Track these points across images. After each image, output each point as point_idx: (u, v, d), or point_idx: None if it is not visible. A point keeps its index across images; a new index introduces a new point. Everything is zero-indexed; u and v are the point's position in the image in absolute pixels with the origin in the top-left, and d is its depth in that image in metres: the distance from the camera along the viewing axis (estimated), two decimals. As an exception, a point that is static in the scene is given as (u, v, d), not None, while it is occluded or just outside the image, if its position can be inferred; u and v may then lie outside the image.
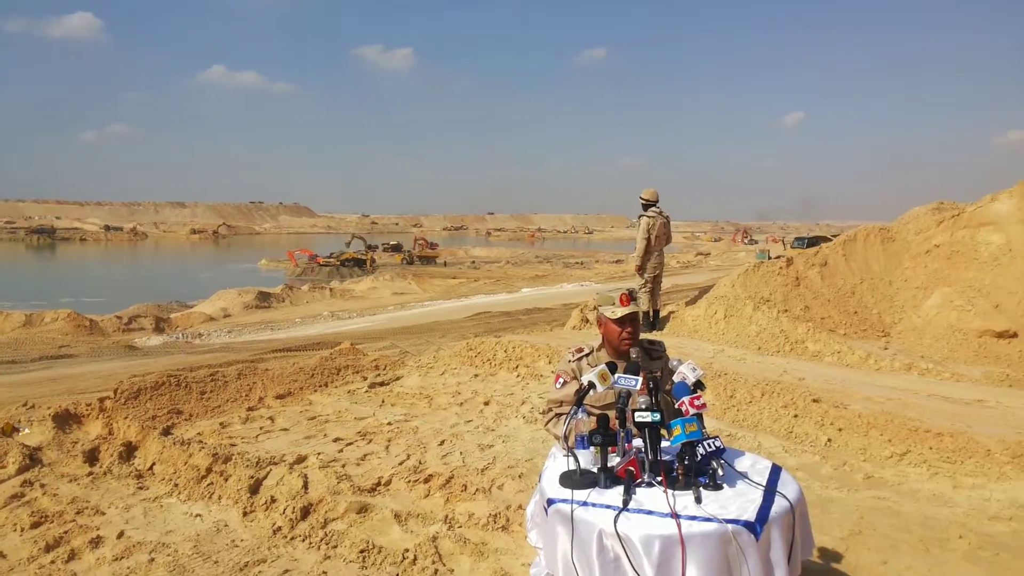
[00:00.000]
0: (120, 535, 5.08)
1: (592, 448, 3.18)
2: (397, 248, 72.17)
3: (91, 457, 6.41)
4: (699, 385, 3.42)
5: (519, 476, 5.80)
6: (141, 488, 5.91)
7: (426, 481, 5.69)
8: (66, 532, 5.11)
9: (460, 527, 4.97)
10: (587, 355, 3.91)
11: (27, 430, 6.84)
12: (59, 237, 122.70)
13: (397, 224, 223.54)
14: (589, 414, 3.42)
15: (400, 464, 6.18)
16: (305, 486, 5.56)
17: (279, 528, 5.06)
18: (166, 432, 6.72)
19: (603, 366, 3.39)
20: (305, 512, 5.20)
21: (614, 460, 3.14)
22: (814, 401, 7.47)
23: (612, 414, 3.40)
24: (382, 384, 8.84)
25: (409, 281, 46.36)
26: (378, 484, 5.71)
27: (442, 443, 6.72)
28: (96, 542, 4.96)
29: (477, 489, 5.52)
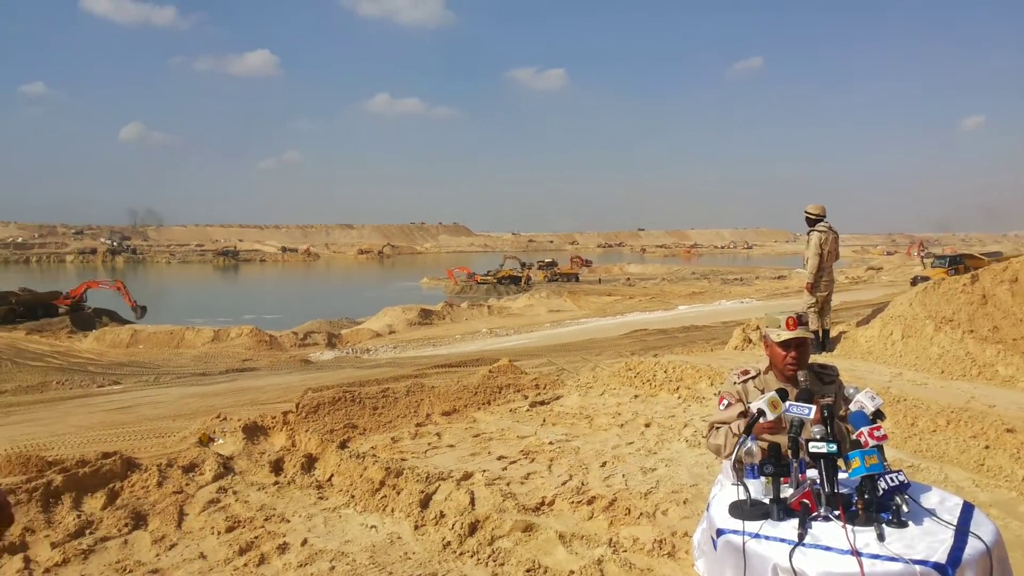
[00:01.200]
0: (304, 542, 5.44)
1: (763, 478, 3.10)
2: (551, 266, 72.89)
3: (276, 467, 6.91)
4: (878, 415, 3.25)
5: (684, 502, 5.72)
6: (321, 498, 6.31)
7: (589, 503, 5.72)
8: (256, 537, 5.52)
9: (625, 551, 4.96)
10: (753, 377, 3.81)
11: (221, 440, 7.47)
12: (241, 258, 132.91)
13: (552, 242, 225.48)
14: (758, 443, 3.34)
15: (563, 484, 6.25)
16: (472, 502, 5.74)
17: (448, 543, 5.24)
18: (343, 445, 7.14)
19: (773, 393, 3.30)
20: (473, 528, 5.36)
21: (787, 491, 3.04)
22: (1008, 431, 6.88)
23: (784, 443, 3.31)
24: (542, 403, 8.98)
25: (564, 299, 46.68)
26: (542, 504, 5.80)
27: (604, 465, 6.73)
28: (283, 548, 5.34)
29: (641, 513, 5.49)
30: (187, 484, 6.48)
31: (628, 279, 69.00)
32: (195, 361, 28.24)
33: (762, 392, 3.60)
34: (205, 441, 7.31)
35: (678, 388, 9.06)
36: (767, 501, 3.00)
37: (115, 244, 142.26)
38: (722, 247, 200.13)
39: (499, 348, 27.91)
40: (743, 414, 3.65)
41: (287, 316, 40.07)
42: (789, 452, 3.17)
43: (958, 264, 32.23)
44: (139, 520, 5.86)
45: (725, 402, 3.81)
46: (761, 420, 3.29)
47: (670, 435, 7.50)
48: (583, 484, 6.24)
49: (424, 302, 43.49)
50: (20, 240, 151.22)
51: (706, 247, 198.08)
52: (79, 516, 5.83)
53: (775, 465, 3.04)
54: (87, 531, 5.67)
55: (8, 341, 31.83)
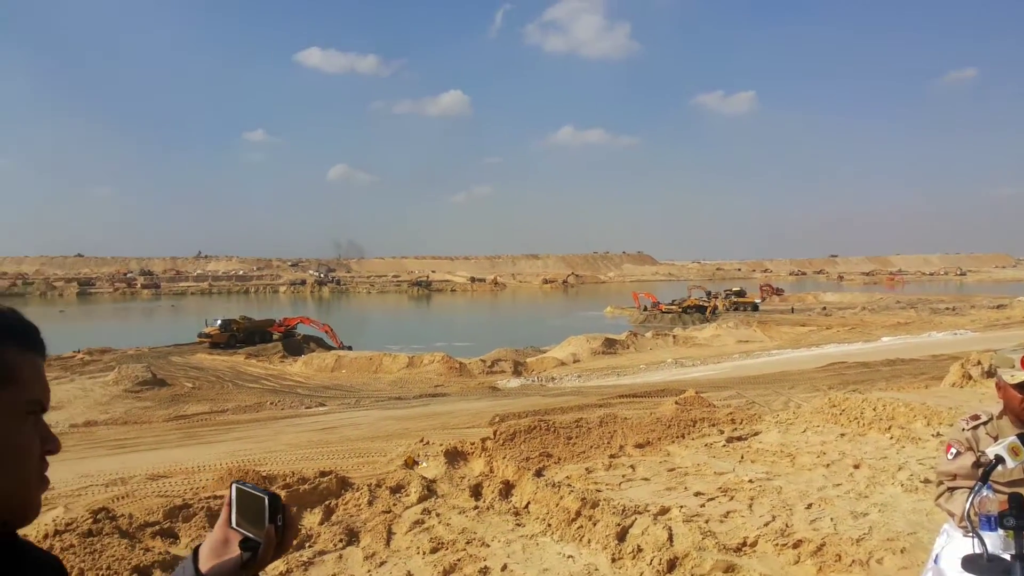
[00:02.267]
0: (503, 568, 5.58)
1: (1002, 531, 2.85)
2: (739, 295, 70.53)
3: (476, 492, 7.15)
4: None
5: (901, 551, 5.33)
6: (519, 525, 6.45)
7: (795, 546, 5.46)
8: (459, 560, 5.73)
9: (837, 600, 4.71)
10: (985, 423, 3.48)
11: (425, 463, 7.84)
12: (433, 288, 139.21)
13: (739, 270, 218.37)
14: (996, 492, 3.07)
15: (765, 525, 6.01)
16: (670, 538, 5.65)
17: (647, 578, 5.20)
18: (539, 473, 7.28)
19: (1014, 438, 3.03)
20: (671, 565, 5.27)
21: (1032, 548, 2.79)
22: None
23: (1025, 493, 3.02)
24: (740, 439, 8.69)
25: (754, 329, 45.00)
26: (744, 544, 5.61)
27: (809, 506, 6.41)
28: (484, 572, 5.50)
29: (853, 560, 5.17)
30: (395, 504, 6.85)
31: (824, 308, 65.34)
32: (391, 386, 29.83)
33: (995, 439, 3.31)
34: (410, 464, 7.70)
35: (890, 427, 8.46)
36: (1007, 557, 2.76)
37: (322, 276, 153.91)
38: (931, 273, 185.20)
39: (685, 379, 27.32)
40: (976, 464, 3.37)
41: (476, 344, 41.38)
42: (1033, 504, 2.91)
43: None
44: (352, 536, 6.26)
45: (953, 451, 3.52)
46: (1000, 468, 3.03)
47: (883, 478, 7.02)
48: (787, 526, 5.97)
49: (608, 331, 43.46)
50: (241, 272, 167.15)
51: (912, 274, 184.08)
52: (299, 530, 6.32)
53: (1017, 518, 2.79)
54: (307, 544, 6.13)
55: (230, 364, 35.19)
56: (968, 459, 3.43)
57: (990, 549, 2.81)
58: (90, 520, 5.91)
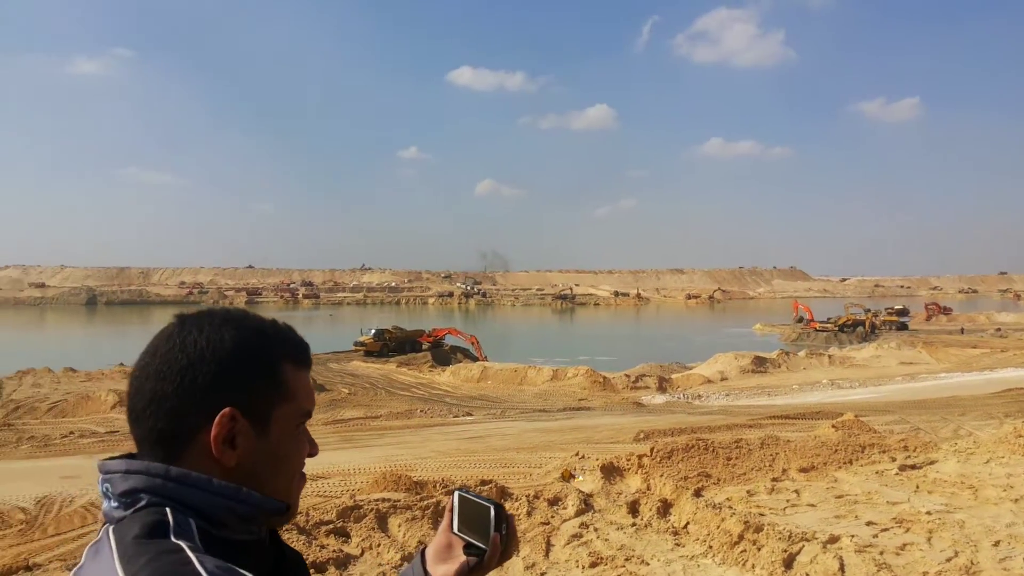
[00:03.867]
0: (662, 587, 5.53)
1: None
2: (903, 313, 66.36)
3: (633, 509, 7.11)
4: None
5: (1107, 598, 4.87)
6: (678, 545, 6.36)
7: (983, 586, 5.10)
8: None
9: (1034, 648, 4.35)
10: None
11: (581, 477, 7.88)
12: (577, 302, 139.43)
13: (903, 287, 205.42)
14: None
15: (947, 561, 5.63)
16: (841, 568, 5.40)
17: (817, 608, 5.00)
18: (698, 493, 7.15)
19: None
20: (843, 596, 5.05)
21: None
22: None
23: None
24: (914, 467, 8.17)
25: (919, 350, 42.22)
26: (923, 579, 5.29)
27: (997, 544, 5.94)
28: (644, 590, 5.47)
29: (1052, 606, 4.77)
30: (552, 516, 6.92)
31: (998, 329, 60.39)
32: (536, 398, 30.10)
33: None
34: (567, 477, 7.76)
35: (1088, 462, 7.73)
36: None
37: (468, 288, 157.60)
38: None
39: (843, 401, 26.01)
40: None
41: (619, 359, 41.11)
42: None
43: None
44: (513, 546, 6.38)
45: None
46: None
47: (1082, 517, 6.42)
48: (972, 563, 5.56)
49: (757, 349, 42.00)
50: (393, 284, 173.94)
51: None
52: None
53: None
54: (469, 551, 6.29)
55: (383, 372, 36.67)
56: None
57: None
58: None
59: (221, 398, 1.07)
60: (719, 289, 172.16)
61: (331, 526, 6.42)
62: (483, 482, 7.42)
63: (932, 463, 8.33)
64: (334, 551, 5.97)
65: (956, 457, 8.47)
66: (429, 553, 1.28)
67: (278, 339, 1.16)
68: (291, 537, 6.00)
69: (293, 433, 1.14)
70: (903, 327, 59.93)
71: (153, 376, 1.07)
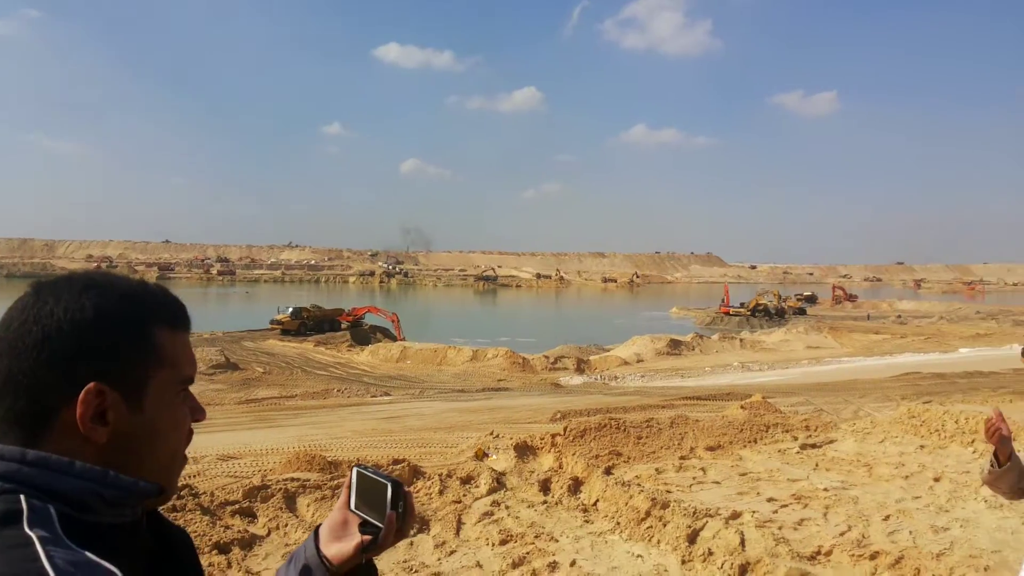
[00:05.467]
0: (572, 563, 5.58)
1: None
2: (811, 300, 68.93)
3: (545, 487, 7.17)
4: None
5: (984, 569, 5.15)
6: (587, 521, 6.45)
7: (872, 558, 5.33)
8: (528, 552, 5.76)
9: (917, 615, 4.58)
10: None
11: (494, 456, 7.91)
12: (499, 283, 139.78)
13: (811, 274, 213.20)
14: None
15: (841, 535, 5.87)
16: (742, 543, 5.57)
17: (718, 582, 5.14)
18: (608, 471, 7.26)
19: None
20: (743, 570, 5.20)
21: None
22: None
23: None
24: (814, 446, 8.51)
25: (825, 335, 43.93)
26: (818, 553, 5.50)
27: (887, 518, 6.24)
28: (553, 567, 5.52)
29: (933, 576, 5.03)
30: (464, 495, 6.93)
31: (899, 316, 63.38)
32: (455, 378, 30.10)
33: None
34: (480, 456, 7.77)
35: (973, 441, 8.16)
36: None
37: (390, 267, 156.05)
38: (1015, 284, 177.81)
39: (752, 383, 26.88)
40: None
41: (539, 340, 41.43)
42: None
43: None
44: (423, 524, 6.36)
45: None
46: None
47: (965, 493, 6.78)
48: (864, 537, 5.83)
49: (673, 332, 42.96)
50: (313, 262, 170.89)
51: (994, 283, 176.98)
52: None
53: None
54: (379, 529, 6.24)
55: (300, 351, 36.02)
56: None
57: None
58: (174, 496, 6.14)
59: (85, 371, 0.97)
60: (636, 274, 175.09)
61: (237, 506, 6.26)
62: (396, 461, 7.36)
63: (831, 442, 8.69)
64: (239, 531, 5.83)
65: (853, 437, 8.85)
66: (323, 531, 1.22)
67: (149, 302, 1.06)
68: (194, 517, 5.83)
69: (172, 402, 1.06)
70: (802, 312, 62.58)
71: (7, 352, 0.96)
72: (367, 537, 1.18)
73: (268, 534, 6.06)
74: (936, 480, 7.17)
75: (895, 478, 7.32)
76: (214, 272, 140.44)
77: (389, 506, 1.17)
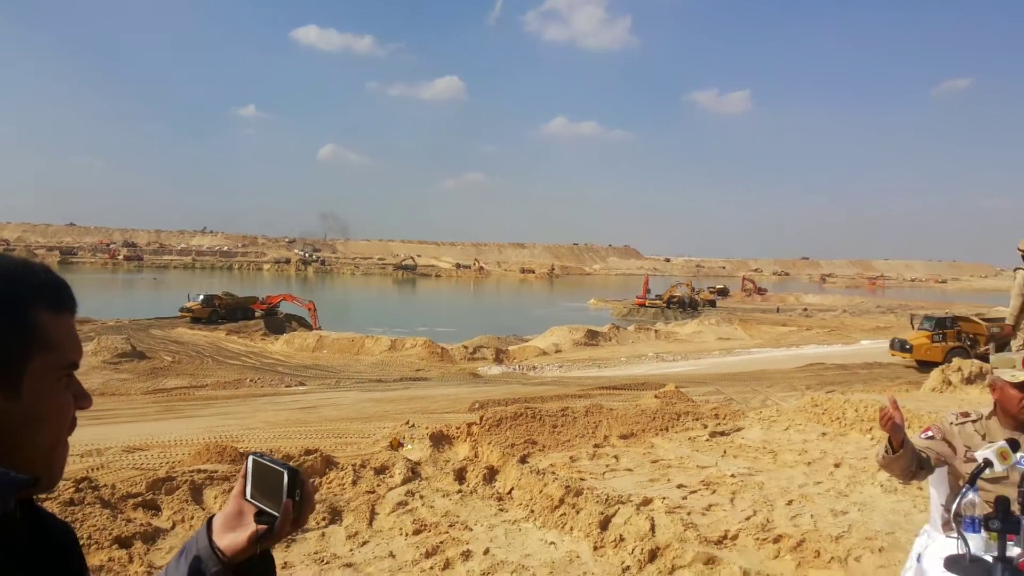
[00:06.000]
0: (486, 551, 5.60)
1: (986, 534, 2.89)
2: (723, 292, 70.96)
3: (460, 476, 7.17)
4: (1125, 474, 2.99)
5: (879, 550, 5.39)
6: (502, 510, 6.48)
7: (775, 541, 5.52)
8: (442, 542, 5.75)
9: (816, 596, 4.77)
10: (973, 421, 3.54)
11: (410, 446, 7.85)
12: (419, 272, 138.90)
13: (724, 268, 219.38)
14: (981, 492, 3.12)
15: (747, 519, 6.07)
16: (652, 529, 5.69)
17: (628, 567, 5.23)
18: (523, 460, 7.31)
19: (1003, 443, 3.07)
20: (653, 555, 5.31)
21: (1014, 550, 2.83)
22: None
23: (1013, 496, 3.07)
24: (723, 434, 8.76)
25: (735, 326, 45.30)
26: (724, 537, 5.66)
27: (790, 503, 6.48)
28: (466, 555, 5.52)
29: (832, 558, 5.23)
30: (378, 485, 6.86)
31: (805, 309, 65.87)
32: (372, 368, 29.80)
33: (983, 438, 3.37)
34: (395, 446, 7.71)
35: (871, 428, 8.54)
36: (990, 559, 2.80)
37: (307, 255, 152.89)
38: (913, 280, 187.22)
39: (665, 373, 27.51)
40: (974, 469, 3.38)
41: (458, 330, 41.42)
42: (1019, 507, 2.95)
43: (950, 328, 27.16)
44: (335, 515, 6.26)
45: (929, 433, 3.54)
46: (987, 471, 3.08)
47: (863, 477, 7.10)
48: (768, 521, 6.03)
49: (590, 323, 43.55)
50: (225, 248, 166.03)
51: (894, 279, 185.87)
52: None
53: (1002, 520, 2.83)
54: (290, 521, 6.11)
55: (211, 340, 35.03)
56: (939, 446, 3.47)
57: (972, 550, 2.86)
58: (72, 489, 5.88)
59: None
60: (553, 265, 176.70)
61: (140, 499, 6.03)
62: (308, 452, 7.23)
63: (739, 430, 8.96)
64: (142, 524, 5.62)
65: (760, 425, 9.15)
66: (217, 521, 1.16)
67: (27, 282, 0.99)
68: (93, 511, 5.59)
69: (54, 389, 0.99)
70: (714, 304, 64.77)
71: None
72: (262, 527, 1.14)
73: (173, 527, 5.87)
74: (836, 466, 7.48)
75: (798, 464, 7.61)
76: (120, 257, 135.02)
77: (285, 494, 1.13)
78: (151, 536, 5.57)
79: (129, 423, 15.29)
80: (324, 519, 6.14)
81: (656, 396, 12.14)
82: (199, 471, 6.68)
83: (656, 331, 42.88)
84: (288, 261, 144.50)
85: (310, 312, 43.04)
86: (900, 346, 27.83)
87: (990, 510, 2.90)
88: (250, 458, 1.18)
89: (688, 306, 59.98)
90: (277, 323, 41.52)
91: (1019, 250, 10.14)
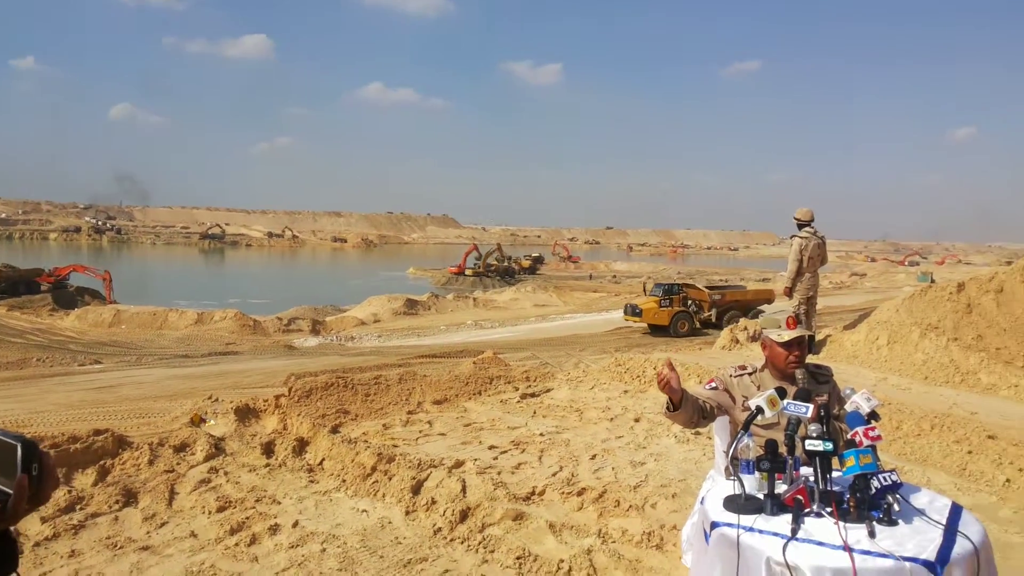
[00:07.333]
0: (295, 524, 5.47)
1: (758, 474, 3.16)
2: (539, 260, 72.98)
3: (268, 450, 6.93)
4: (873, 416, 3.35)
5: (672, 496, 5.80)
6: (312, 482, 6.34)
7: (579, 494, 5.79)
8: (248, 518, 5.54)
9: (614, 542, 5.04)
10: (750, 373, 3.89)
11: (213, 421, 7.49)
12: (227, 242, 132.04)
13: (539, 236, 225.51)
14: (754, 437, 3.40)
15: (553, 475, 6.32)
16: (463, 490, 5.79)
17: (439, 529, 5.30)
18: (335, 430, 7.18)
19: (772, 391, 3.38)
20: (464, 515, 5.41)
21: (781, 487, 3.11)
22: (989, 437, 7.02)
23: (780, 439, 3.38)
24: (533, 395, 9.05)
25: (550, 293, 46.81)
26: (532, 493, 5.87)
27: (594, 457, 6.81)
28: (274, 529, 5.36)
29: (630, 506, 5.57)
30: (178, 463, 6.50)
31: (614, 276, 69.20)
32: (178, 343, 28.13)
33: (758, 388, 3.69)
34: (197, 422, 7.33)
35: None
36: (761, 496, 3.07)
37: (100, 223, 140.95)
38: (709, 248, 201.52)
39: (484, 340, 27.94)
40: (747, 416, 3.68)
41: (272, 301, 39.94)
42: (785, 449, 3.25)
43: (676, 294, 30.12)
44: (130, 497, 5.87)
45: (712, 384, 3.88)
46: (759, 417, 3.37)
47: (659, 431, 7.59)
48: (573, 475, 6.31)
49: (410, 292, 43.42)
50: (3, 216, 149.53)
51: (694, 247, 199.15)
52: (70, 492, 5.82)
53: (771, 461, 3.11)
54: (77, 507, 5.66)
55: (-11, 317, 31.63)
56: (720, 397, 3.81)
57: (747, 490, 3.12)
58: None
59: None
60: (367, 235, 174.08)
61: None
62: (97, 432, 6.70)
63: (548, 391, 9.30)
64: None
65: (568, 385, 9.54)
66: None
67: None
68: None
69: None
70: (532, 271, 66.59)
71: None
72: None
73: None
74: (636, 421, 7.94)
75: (602, 420, 8.01)
76: None
77: (20, 468, 1.04)
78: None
79: None
80: (117, 502, 5.73)
81: (474, 363, 12.31)
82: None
83: (475, 299, 43.44)
84: (79, 230, 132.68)
85: (104, 284, 39.82)
86: (632, 311, 29.09)
87: (762, 453, 3.18)
88: None
89: (506, 274, 61.21)
90: (67, 297, 38.07)
91: (795, 219, 11.15)
